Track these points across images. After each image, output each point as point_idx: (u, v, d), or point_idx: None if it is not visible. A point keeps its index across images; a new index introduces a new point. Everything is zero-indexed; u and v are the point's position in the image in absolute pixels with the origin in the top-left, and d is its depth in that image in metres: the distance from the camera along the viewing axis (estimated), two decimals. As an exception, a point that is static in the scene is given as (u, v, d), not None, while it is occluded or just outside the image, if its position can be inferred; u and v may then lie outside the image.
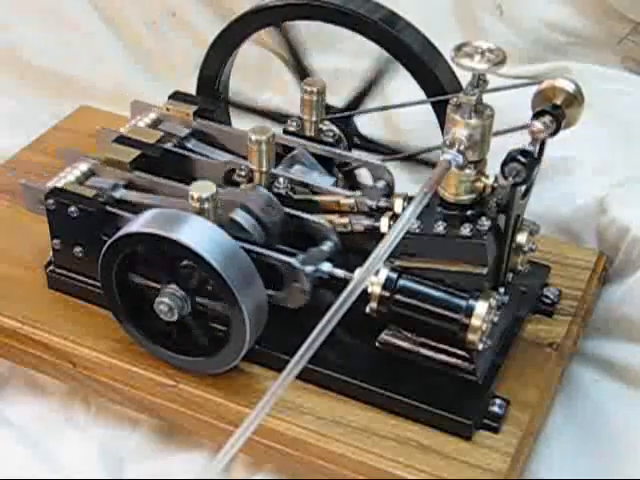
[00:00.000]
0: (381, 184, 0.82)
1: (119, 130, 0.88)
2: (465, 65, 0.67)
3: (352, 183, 0.88)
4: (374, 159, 0.83)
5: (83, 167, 0.84)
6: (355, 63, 0.87)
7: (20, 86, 1.20)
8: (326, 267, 0.77)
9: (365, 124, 0.89)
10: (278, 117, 0.90)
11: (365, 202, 0.78)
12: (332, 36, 0.86)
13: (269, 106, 0.94)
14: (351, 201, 0.79)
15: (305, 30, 0.87)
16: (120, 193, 0.82)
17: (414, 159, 0.86)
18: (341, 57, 1.12)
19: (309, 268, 0.76)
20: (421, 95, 0.82)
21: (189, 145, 0.87)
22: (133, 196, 0.82)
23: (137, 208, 0.79)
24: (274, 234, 0.79)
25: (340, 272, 0.76)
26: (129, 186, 0.83)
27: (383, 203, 0.78)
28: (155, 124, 0.89)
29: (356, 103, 0.88)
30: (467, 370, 0.75)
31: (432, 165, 0.85)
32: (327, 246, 0.79)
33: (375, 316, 0.76)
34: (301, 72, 0.89)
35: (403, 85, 0.85)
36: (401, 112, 0.94)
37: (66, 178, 0.83)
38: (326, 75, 0.87)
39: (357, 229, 0.78)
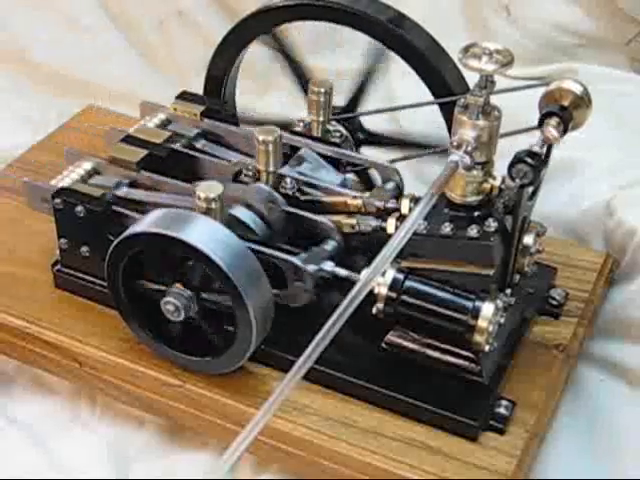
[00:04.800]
0: (390, 185, 0.81)
1: (128, 130, 0.87)
2: (473, 66, 0.67)
3: (365, 183, 0.88)
4: (382, 160, 0.83)
5: (87, 166, 0.84)
6: (358, 63, 0.87)
7: (28, 85, 1.20)
8: (329, 266, 0.77)
9: (370, 123, 0.89)
10: (285, 125, 0.90)
11: (373, 203, 0.78)
12: (336, 36, 0.86)
13: (273, 113, 0.94)
14: (359, 202, 0.79)
15: (309, 30, 0.87)
16: (124, 191, 0.82)
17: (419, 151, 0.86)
18: (343, 57, 1.12)
19: (312, 267, 0.76)
20: (428, 96, 0.82)
21: (198, 145, 0.87)
22: (139, 194, 0.82)
23: (144, 207, 0.80)
24: (277, 232, 0.79)
25: (343, 271, 0.76)
26: (133, 185, 0.83)
27: (390, 204, 0.77)
28: (164, 124, 0.89)
29: (355, 100, 0.88)
30: (473, 371, 0.75)
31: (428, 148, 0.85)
32: (330, 245, 0.79)
33: (381, 317, 0.75)
34: (298, 74, 0.89)
35: (410, 86, 0.85)
36: (409, 113, 0.94)
37: (69, 177, 0.83)
38: (329, 75, 0.87)
39: (364, 230, 0.78)
